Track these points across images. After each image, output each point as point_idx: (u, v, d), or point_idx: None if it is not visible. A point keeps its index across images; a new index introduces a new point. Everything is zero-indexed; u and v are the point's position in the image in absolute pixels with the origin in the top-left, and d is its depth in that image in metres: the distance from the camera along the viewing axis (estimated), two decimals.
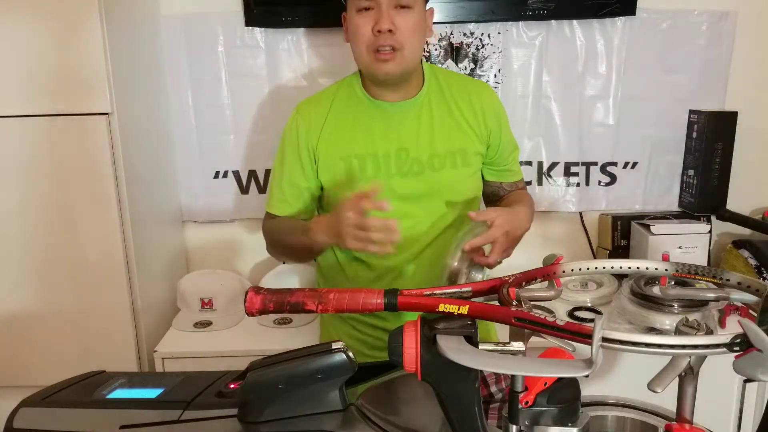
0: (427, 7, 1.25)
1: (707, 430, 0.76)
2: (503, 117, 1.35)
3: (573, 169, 1.93)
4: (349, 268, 1.33)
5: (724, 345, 0.57)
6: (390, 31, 1.16)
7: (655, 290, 1.54)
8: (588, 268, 0.82)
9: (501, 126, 1.34)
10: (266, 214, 1.37)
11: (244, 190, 1.92)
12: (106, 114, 1.48)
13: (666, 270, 0.80)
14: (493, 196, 1.41)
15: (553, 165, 1.92)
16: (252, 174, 1.91)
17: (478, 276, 1.10)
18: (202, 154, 1.89)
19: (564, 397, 0.70)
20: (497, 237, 1.11)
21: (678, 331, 0.73)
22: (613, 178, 1.94)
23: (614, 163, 1.93)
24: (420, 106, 1.28)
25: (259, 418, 0.78)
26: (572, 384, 0.71)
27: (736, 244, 1.85)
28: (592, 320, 0.58)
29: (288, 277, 1.86)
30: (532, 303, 0.71)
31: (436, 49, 1.81)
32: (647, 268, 0.81)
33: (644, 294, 1.54)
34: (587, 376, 0.59)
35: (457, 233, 1.27)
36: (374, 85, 1.26)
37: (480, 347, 0.67)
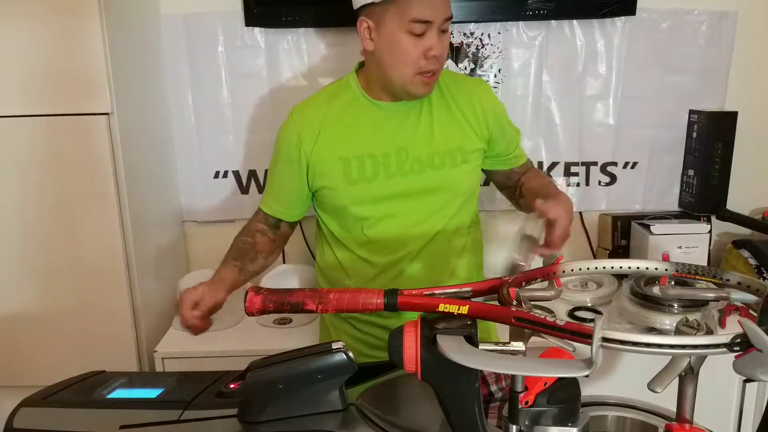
0: None
1: (707, 430, 0.76)
2: (501, 111, 1.37)
3: (573, 169, 1.93)
4: (349, 266, 1.33)
5: (724, 345, 0.57)
6: (441, 56, 1.20)
7: (655, 290, 1.54)
8: (588, 268, 0.82)
9: (500, 120, 1.35)
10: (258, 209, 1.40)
11: (244, 190, 1.92)
12: (106, 114, 1.48)
13: (666, 270, 0.80)
14: (508, 181, 1.43)
15: (553, 165, 1.92)
16: (252, 174, 1.91)
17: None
18: (202, 154, 1.89)
19: (564, 397, 0.70)
20: (565, 233, 1.11)
21: (678, 331, 0.73)
22: (613, 178, 1.94)
23: (614, 163, 1.93)
24: (419, 106, 1.28)
25: (259, 418, 0.78)
26: (572, 384, 0.71)
27: (736, 244, 1.85)
28: (592, 320, 0.58)
29: (288, 277, 1.86)
30: (532, 303, 0.71)
31: None
32: (647, 268, 0.81)
33: (644, 294, 1.54)
34: (587, 376, 0.59)
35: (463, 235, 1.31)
36: (387, 91, 1.26)
37: (480, 347, 0.67)
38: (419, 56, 1.17)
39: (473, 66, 1.83)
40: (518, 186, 1.41)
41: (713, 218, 1.88)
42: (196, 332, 1.18)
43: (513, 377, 0.69)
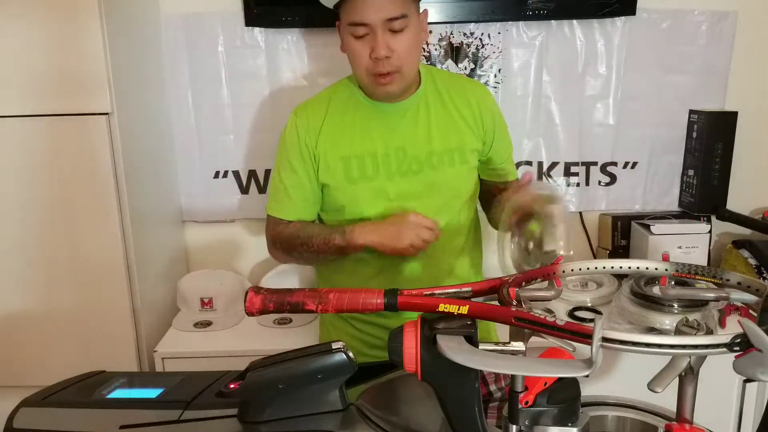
0: (421, 10, 1.24)
1: (707, 430, 0.76)
2: (499, 116, 1.36)
3: (573, 169, 1.93)
4: (348, 265, 1.33)
5: (724, 345, 0.57)
6: (387, 57, 1.16)
7: (655, 290, 1.54)
8: (588, 268, 0.82)
9: (496, 125, 1.35)
10: (272, 220, 1.35)
11: (244, 190, 1.92)
12: (106, 114, 1.48)
13: (666, 270, 0.80)
14: (488, 195, 1.41)
15: (553, 165, 1.92)
16: (252, 174, 1.91)
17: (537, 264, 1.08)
18: (202, 154, 1.89)
19: (564, 397, 0.70)
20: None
21: (678, 331, 0.73)
22: (613, 178, 1.94)
23: (614, 163, 1.93)
24: (417, 106, 1.28)
25: (259, 418, 0.78)
26: (572, 384, 0.71)
27: (736, 244, 1.85)
28: (592, 320, 0.58)
29: (288, 277, 1.86)
30: (532, 303, 0.71)
31: (436, 49, 1.81)
32: (647, 268, 0.81)
33: (644, 294, 1.54)
34: (587, 376, 0.59)
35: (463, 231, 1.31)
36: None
37: (480, 347, 0.67)
38: (365, 57, 1.17)
39: (473, 66, 1.83)
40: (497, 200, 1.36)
41: (713, 218, 1.88)
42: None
43: (513, 377, 0.69)
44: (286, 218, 1.33)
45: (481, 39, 1.81)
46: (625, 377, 1.55)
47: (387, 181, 1.27)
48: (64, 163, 1.50)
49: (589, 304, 1.73)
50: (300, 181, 1.30)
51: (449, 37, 1.81)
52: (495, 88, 1.84)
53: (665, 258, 0.81)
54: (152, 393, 0.86)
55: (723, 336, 0.57)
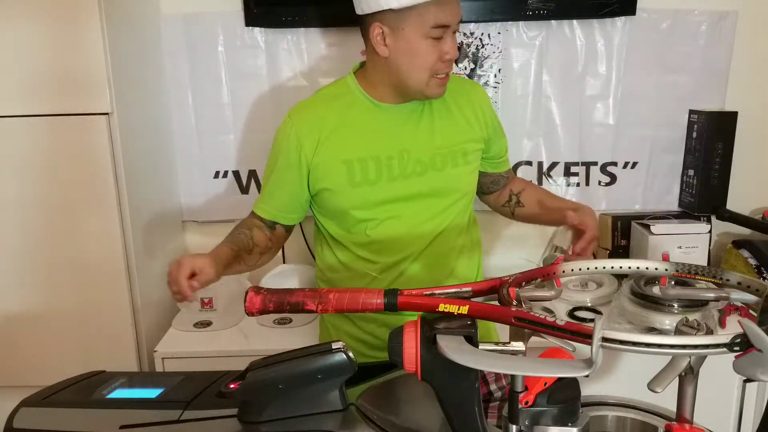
0: None
1: (707, 430, 0.76)
2: (494, 113, 1.39)
3: (573, 169, 1.93)
4: (350, 266, 1.33)
5: (724, 345, 0.57)
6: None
7: (655, 290, 1.54)
8: (588, 268, 0.82)
9: (495, 122, 1.38)
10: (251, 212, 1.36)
11: (244, 190, 1.92)
12: (106, 114, 1.48)
13: (666, 270, 0.80)
14: (493, 186, 1.45)
15: (553, 165, 1.92)
16: (252, 174, 1.91)
17: None
18: (202, 154, 1.89)
19: (564, 397, 0.70)
20: (594, 239, 1.24)
21: (678, 331, 0.73)
22: (613, 178, 1.94)
23: (614, 163, 1.93)
24: (420, 107, 1.28)
25: (259, 418, 0.78)
26: (572, 384, 0.71)
27: (736, 244, 1.85)
28: (592, 320, 0.58)
29: (288, 277, 1.86)
30: (532, 303, 0.71)
31: None
32: (647, 268, 0.81)
33: (644, 294, 1.54)
34: (587, 376, 0.59)
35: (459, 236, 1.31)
36: (399, 94, 1.26)
37: (480, 347, 0.67)
38: (436, 60, 1.19)
39: (473, 66, 1.83)
40: (513, 195, 1.44)
41: (713, 218, 1.88)
42: (182, 300, 1.12)
43: (513, 377, 0.69)
44: (259, 214, 1.33)
45: (481, 39, 1.81)
46: (625, 377, 1.55)
47: (390, 184, 1.26)
48: (64, 163, 1.50)
49: (589, 304, 1.73)
50: (283, 185, 1.30)
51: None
52: (495, 88, 1.84)
53: (665, 258, 0.81)
54: (152, 393, 0.86)
55: (723, 336, 0.57)
